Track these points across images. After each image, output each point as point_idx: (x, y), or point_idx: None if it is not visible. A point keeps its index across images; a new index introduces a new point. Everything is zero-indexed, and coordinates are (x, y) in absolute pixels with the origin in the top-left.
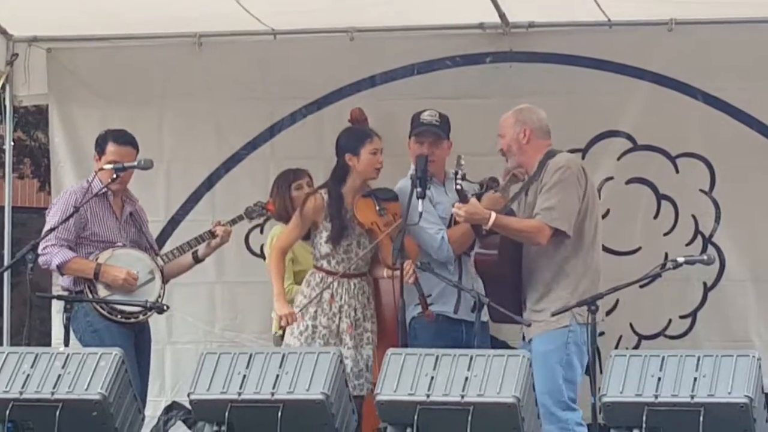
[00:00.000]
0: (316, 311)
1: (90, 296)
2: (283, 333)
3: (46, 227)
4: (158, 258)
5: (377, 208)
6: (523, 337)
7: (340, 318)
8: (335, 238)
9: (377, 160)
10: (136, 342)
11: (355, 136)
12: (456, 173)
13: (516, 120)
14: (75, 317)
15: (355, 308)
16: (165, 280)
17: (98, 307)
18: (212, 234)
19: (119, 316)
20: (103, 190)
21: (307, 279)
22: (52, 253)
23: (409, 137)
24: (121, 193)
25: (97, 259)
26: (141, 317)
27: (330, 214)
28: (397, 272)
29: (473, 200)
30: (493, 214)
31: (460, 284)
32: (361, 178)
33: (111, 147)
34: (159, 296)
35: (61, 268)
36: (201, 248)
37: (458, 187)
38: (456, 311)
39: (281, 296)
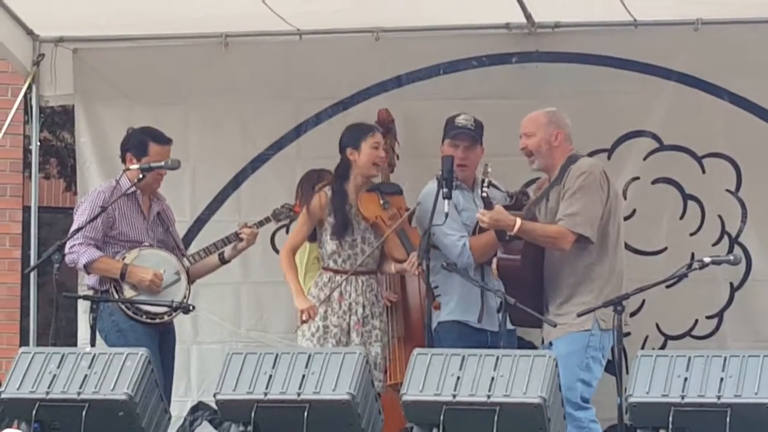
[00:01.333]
0: (326, 311)
1: (115, 296)
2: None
3: (74, 226)
4: (185, 259)
5: (381, 201)
6: (543, 341)
7: (349, 315)
8: (339, 232)
9: (377, 155)
10: (160, 342)
11: (356, 131)
12: (483, 181)
13: (549, 121)
14: (100, 317)
15: (363, 305)
16: (191, 281)
17: (123, 307)
18: (238, 236)
19: (144, 317)
20: (132, 190)
21: (315, 280)
22: (79, 252)
23: (443, 140)
24: (150, 192)
25: (123, 259)
26: (166, 318)
27: (333, 209)
28: (404, 265)
29: (498, 207)
30: (519, 220)
31: (486, 285)
32: (363, 173)
33: (154, 148)
34: (185, 297)
35: (87, 267)
36: (227, 250)
37: (484, 194)
38: (480, 320)
39: (299, 292)
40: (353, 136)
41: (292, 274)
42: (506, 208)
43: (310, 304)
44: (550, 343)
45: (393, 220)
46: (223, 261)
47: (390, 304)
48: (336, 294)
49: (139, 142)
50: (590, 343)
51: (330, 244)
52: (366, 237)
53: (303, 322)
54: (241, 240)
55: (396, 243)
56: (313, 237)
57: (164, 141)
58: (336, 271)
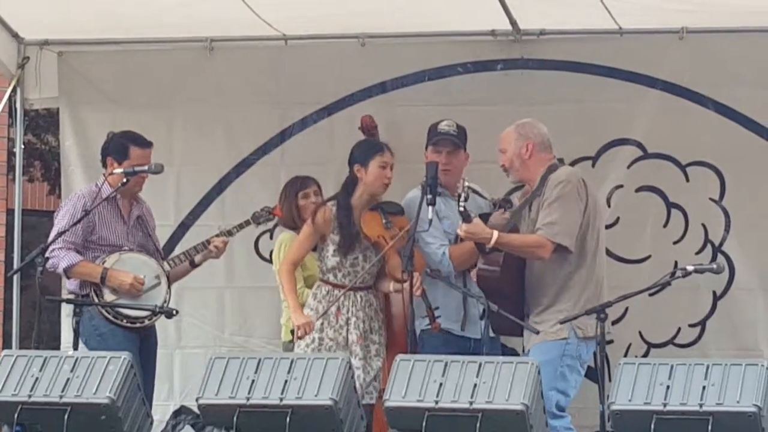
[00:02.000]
0: (322, 324)
1: (96, 300)
2: (293, 339)
3: (54, 230)
4: (164, 263)
5: (384, 221)
6: (524, 349)
7: (347, 330)
8: (344, 249)
9: (385, 175)
10: (141, 346)
11: (366, 148)
12: (459, 196)
13: (518, 135)
14: (81, 321)
15: (363, 320)
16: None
17: (103, 311)
18: (208, 245)
19: (124, 321)
20: (113, 194)
21: (313, 292)
22: (59, 256)
23: (426, 147)
24: (131, 196)
25: (103, 263)
26: (146, 322)
27: (338, 225)
28: (404, 285)
29: (476, 220)
30: (495, 233)
31: (469, 291)
32: (368, 192)
33: (135, 152)
34: (165, 301)
35: (67, 272)
36: (198, 256)
37: (461, 209)
38: (463, 328)
39: (297, 308)
40: (363, 153)
41: (291, 288)
42: (488, 215)
43: (307, 320)
44: (529, 350)
45: (394, 239)
46: (193, 264)
47: None
48: (333, 308)
49: (119, 146)
50: (566, 351)
51: (331, 260)
52: (367, 255)
53: (299, 338)
54: (210, 251)
55: (398, 262)
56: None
57: (145, 144)
58: (335, 285)
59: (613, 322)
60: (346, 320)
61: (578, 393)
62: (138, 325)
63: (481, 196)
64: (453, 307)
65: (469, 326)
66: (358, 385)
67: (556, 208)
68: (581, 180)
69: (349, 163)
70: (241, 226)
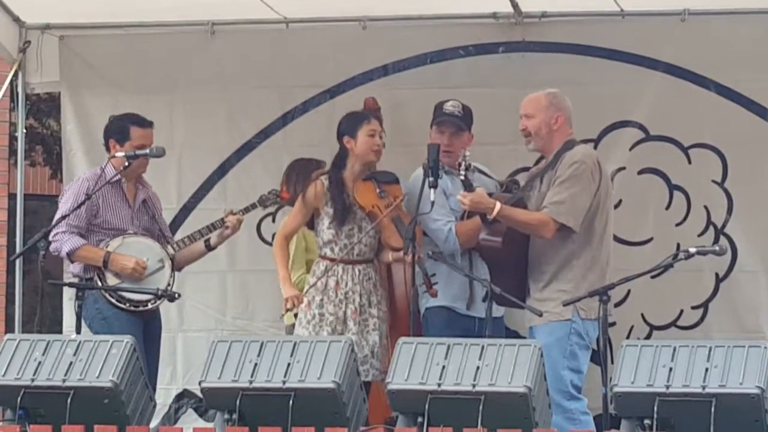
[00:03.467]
0: (322, 299)
1: (99, 284)
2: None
3: (58, 214)
4: (169, 246)
5: (378, 190)
6: (527, 324)
7: (345, 304)
8: (338, 220)
9: (375, 142)
10: (145, 330)
11: (352, 119)
12: (460, 164)
13: (550, 103)
14: (85, 304)
15: (360, 294)
16: (178, 268)
17: (107, 295)
18: (223, 223)
19: (128, 304)
20: (117, 178)
21: (312, 268)
22: (62, 240)
23: (431, 126)
24: (135, 179)
25: (107, 247)
26: (150, 305)
27: (331, 198)
28: (401, 253)
29: (479, 189)
30: (498, 204)
31: (471, 274)
32: (360, 161)
33: (136, 132)
34: (168, 284)
35: (70, 255)
36: (213, 237)
37: (462, 177)
38: (468, 307)
39: (286, 280)
40: (349, 125)
41: (283, 260)
42: (493, 195)
43: (296, 293)
44: (531, 328)
45: (389, 208)
46: (209, 248)
47: None
48: (332, 282)
49: (120, 128)
50: (572, 330)
51: (326, 233)
52: (363, 226)
53: (287, 310)
54: (227, 227)
55: (392, 231)
56: (310, 225)
57: (145, 124)
58: (332, 260)
59: (616, 305)
60: (344, 294)
61: (585, 371)
62: (141, 308)
63: (488, 176)
64: (458, 286)
65: (475, 305)
66: None
67: (566, 188)
68: (596, 161)
69: (337, 137)
70: (247, 210)
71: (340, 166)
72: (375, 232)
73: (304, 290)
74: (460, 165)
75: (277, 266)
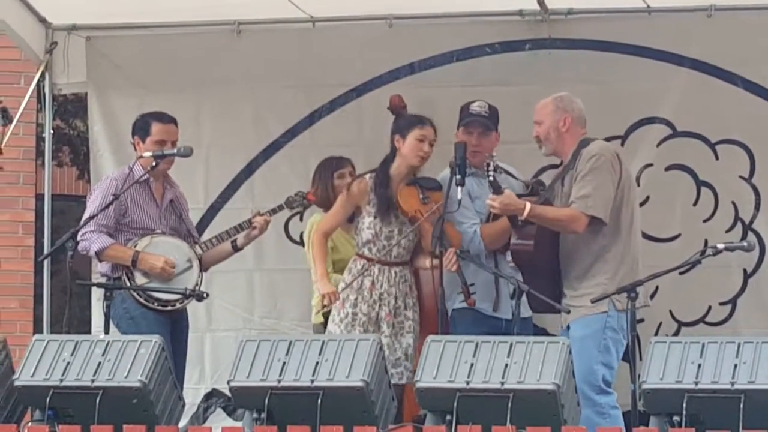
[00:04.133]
0: (356, 299)
1: (128, 283)
2: (325, 321)
3: (86, 213)
4: (197, 246)
5: (421, 196)
6: (561, 326)
7: (379, 306)
8: (380, 216)
9: (422, 148)
10: (172, 330)
11: (408, 119)
12: (488, 165)
13: (556, 107)
14: (112, 304)
15: (395, 296)
16: (204, 268)
17: (135, 294)
18: (251, 224)
19: (156, 304)
20: (145, 177)
21: (349, 267)
22: (90, 239)
23: (458, 127)
24: (163, 179)
25: (135, 246)
26: (177, 305)
27: (375, 194)
28: (434, 266)
29: (508, 191)
30: (528, 204)
31: (499, 272)
32: (405, 163)
33: (156, 127)
34: (196, 284)
35: (99, 255)
36: (240, 237)
37: (490, 178)
38: (495, 309)
39: (324, 276)
40: (403, 124)
41: (321, 257)
42: (522, 196)
43: (332, 289)
44: (568, 327)
45: (431, 214)
46: (236, 248)
47: None
48: (368, 282)
49: (142, 124)
50: (608, 324)
51: (366, 233)
52: (403, 230)
53: (324, 306)
54: (254, 228)
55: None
56: (350, 219)
57: (166, 119)
58: (370, 260)
59: None
60: (378, 295)
61: (617, 367)
62: (169, 308)
63: (514, 177)
64: (484, 288)
65: (501, 307)
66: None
67: (589, 181)
68: (615, 153)
69: (391, 134)
70: (274, 211)
71: (387, 164)
72: (414, 236)
73: (339, 288)
74: (488, 166)
75: (314, 262)
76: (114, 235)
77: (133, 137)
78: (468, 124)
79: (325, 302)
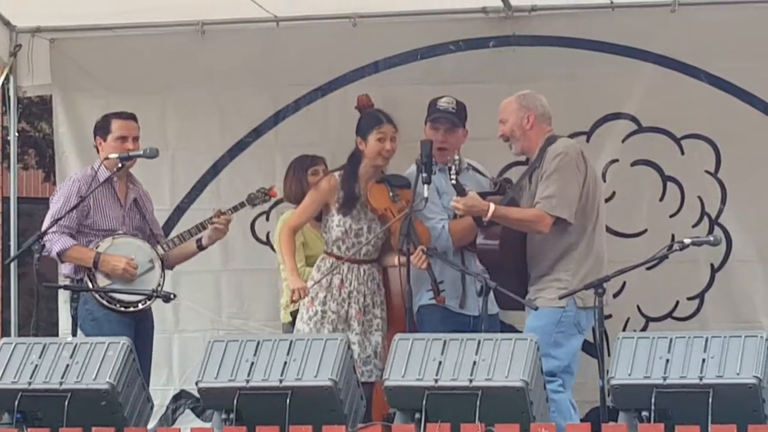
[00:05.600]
0: (325, 296)
1: (90, 284)
2: (294, 321)
3: (49, 214)
4: (159, 246)
5: (390, 194)
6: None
7: (349, 303)
8: (345, 210)
9: (383, 147)
10: (137, 331)
11: (365, 121)
12: (450, 168)
13: (520, 105)
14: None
15: (364, 294)
16: (169, 267)
17: (97, 296)
18: (212, 223)
19: (118, 305)
20: (110, 177)
21: (317, 264)
22: (52, 240)
23: (425, 123)
24: (126, 178)
25: (96, 248)
26: (140, 306)
27: (344, 192)
28: (401, 263)
29: (472, 193)
30: (492, 206)
31: (466, 269)
32: (370, 164)
33: (116, 123)
34: (158, 285)
35: (60, 256)
36: (204, 236)
37: (453, 181)
38: (462, 306)
39: (294, 271)
40: (363, 126)
41: (290, 252)
42: (489, 194)
43: (302, 284)
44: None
45: (402, 212)
46: (201, 248)
47: None
48: (336, 280)
49: (102, 123)
50: (562, 319)
51: (335, 230)
52: (372, 227)
53: (293, 301)
54: (216, 228)
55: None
56: (318, 218)
57: (125, 115)
58: (339, 257)
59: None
60: (348, 293)
61: (578, 368)
62: (132, 309)
63: (481, 174)
64: (451, 285)
65: (468, 303)
66: (357, 360)
67: (554, 181)
68: (580, 152)
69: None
70: (236, 208)
71: (355, 162)
72: (383, 235)
73: (309, 286)
74: (450, 169)
75: (283, 257)
76: (76, 236)
77: (95, 138)
78: (435, 120)
79: (294, 297)
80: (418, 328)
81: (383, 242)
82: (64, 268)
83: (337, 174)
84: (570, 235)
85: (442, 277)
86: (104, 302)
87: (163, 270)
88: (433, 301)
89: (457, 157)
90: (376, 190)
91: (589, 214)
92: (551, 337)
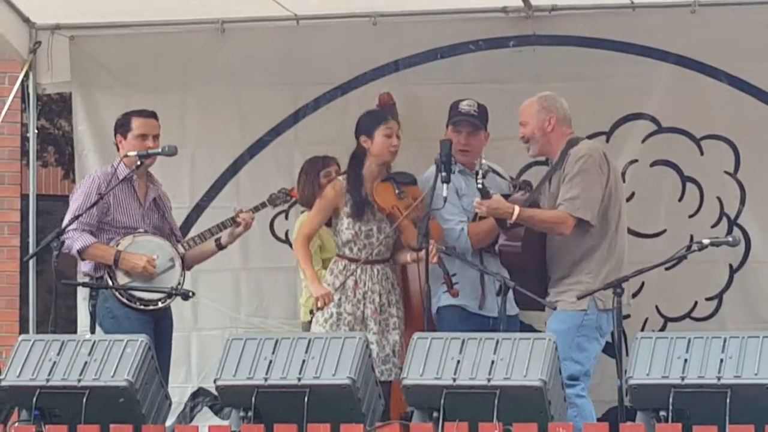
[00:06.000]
0: (340, 298)
1: (110, 282)
2: (311, 320)
3: (69, 211)
4: (179, 245)
5: (397, 191)
6: (545, 323)
7: (364, 304)
8: (356, 216)
9: (391, 143)
10: (156, 329)
11: (369, 119)
12: (477, 173)
13: (541, 107)
14: (95, 303)
15: (379, 294)
16: (188, 267)
17: (117, 294)
18: (234, 221)
19: (138, 303)
20: (129, 176)
21: (330, 267)
22: (73, 237)
23: (447, 125)
24: (146, 177)
25: (117, 246)
26: (160, 304)
27: (351, 195)
28: (421, 254)
29: (496, 196)
30: (517, 208)
31: (485, 269)
32: (377, 161)
33: (136, 121)
34: (179, 283)
35: (81, 253)
36: (224, 235)
37: (479, 185)
38: (480, 307)
39: (315, 279)
40: (367, 124)
41: (307, 261)
42: (508, 196)
43: (326, 291)
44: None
45: (408, 209)
46: (220, 247)
47: None
48: (351, 282)
49: (123, 121)
50: (584, 322)
51: (346, 233)
52: (382, 227)
53: (318, 308)
54: (238, 225)
55: (412, 232)
56: (329, 224)
57: (146, 114)
58: (351, 260)
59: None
60: (363, 294)
61: (596, 368)
62: (151, 307)
63: (500, 176)
64: (470, 285)
65: (487, 304)
66: (375, 359)
67: (577, 183)
68: (603, 154)
69: (355, 136)
70: (257, 208)
71: (358, 164)
72: (394, 233)
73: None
74: (477, 174)
75: (301, 266)
76: (96, 233)
77: (115, 136)
78: (457, 123)
79: (319, 304)
80: (437, 329)
81: (394, 240)
82: (84, 266)
83: (341, 178)
84: (592, 237)
85: (461, 277)
86: (124, 300)
87: (183, 269)
88: (452, 301)
89: (484, 161)
90: (382, 189)
91: (611, 216)
92: (573, 340)
